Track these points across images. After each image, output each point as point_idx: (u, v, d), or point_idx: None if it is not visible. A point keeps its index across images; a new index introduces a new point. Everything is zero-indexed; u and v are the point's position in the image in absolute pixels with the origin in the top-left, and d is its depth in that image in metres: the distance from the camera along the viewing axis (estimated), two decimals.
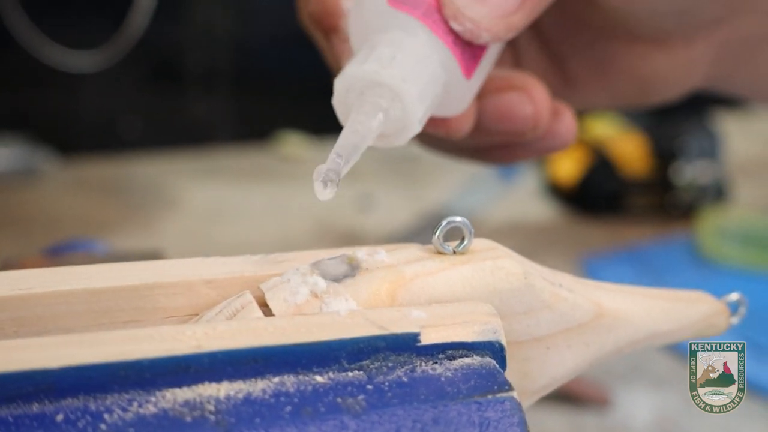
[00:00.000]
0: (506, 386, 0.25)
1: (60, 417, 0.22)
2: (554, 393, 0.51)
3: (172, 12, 0.98)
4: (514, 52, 0.43)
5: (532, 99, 0.38)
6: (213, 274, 0.28)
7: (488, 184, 0.90)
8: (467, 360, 0.26)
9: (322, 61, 0.43)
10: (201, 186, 0.91)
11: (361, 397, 0.24)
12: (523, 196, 0.90)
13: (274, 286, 0.27)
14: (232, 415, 0.23)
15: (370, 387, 0.24)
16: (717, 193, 0.83)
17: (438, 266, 0.28)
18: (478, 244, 0.30)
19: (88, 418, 0.22)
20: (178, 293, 0.28)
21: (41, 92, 0.97)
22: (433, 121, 0.36)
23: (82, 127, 0.99)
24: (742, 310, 0.34)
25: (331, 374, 0.25)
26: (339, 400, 0.24)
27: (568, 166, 0.86)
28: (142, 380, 0.23)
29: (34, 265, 0.29)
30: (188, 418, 0.23)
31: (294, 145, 1.03)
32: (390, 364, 0.25)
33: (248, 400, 0.23)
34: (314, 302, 0.27)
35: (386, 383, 0.25)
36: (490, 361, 0.26)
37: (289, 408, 0.23)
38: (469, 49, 0.35)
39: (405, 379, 0.25)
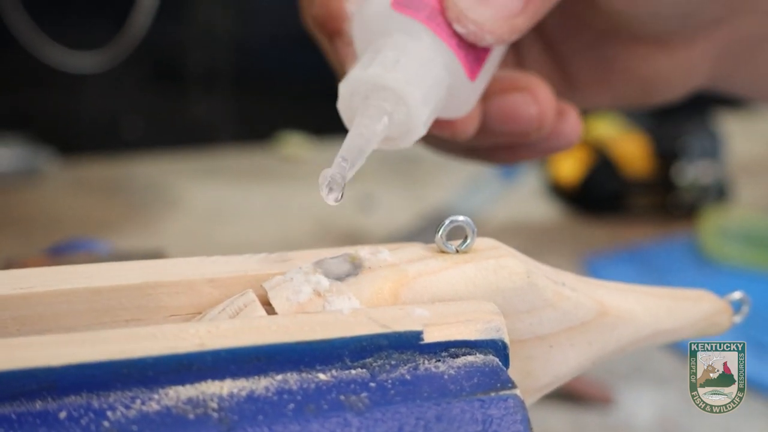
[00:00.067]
0: (509, 384, 0.25)
1: (63, 414, 0.22)
2: (557, 392, 0.52)
3: (173, 13, 0.98)
4: (516, 53, 0.43)
5: (536, 99, 0.38)
6: (215, 273, 0.28)
7: (490, 184, 0.90)
8: (470, 358, 0.26)
9: (323, 62, 0.43)
10: (202, 186, 0.91)
11: (364, 394, 0.24)
12: (525, 196, 0.90)
13: (277, 284, 0.27)
14: (235, 412, 0.23)
15: (373, 385, 0.24)
16: (719, 193, 0.83)
17: (441, 265, 0.28)
18: (481, 243, 0.30)
19: (91, 415, 0.22)
20: (181, 292, 0.28)
21: (43, 92, 0.97)
22: (438, 123, 0.36)
23: (84, 127, 0.99)
24: (745, 308, 0.34)
25: (334, 372, 0.25)
26: (342, 397, 0.24)
27: (570, 166, 0.86)
28: (145, 378, 0.23)
29: (36, 265, 0.29)
30: (191, 416, 0.23)
31: (295, 145, 1.03)
32: (393, 362, 0.25)
33: (251, 398, 0.23)
34: (317, 301, 0.27)
35: (389, 381, 0.25)
36: (493, 359, 0.26)
37: (292, 405, 0.23)
38: (473, 52, 0.35)
39: (408, 377, 0.25)
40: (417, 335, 0.26)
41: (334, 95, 0.34)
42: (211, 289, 0.28)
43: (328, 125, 0.46)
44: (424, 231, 0.76)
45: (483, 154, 0.42)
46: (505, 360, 0.27)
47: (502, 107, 0.38)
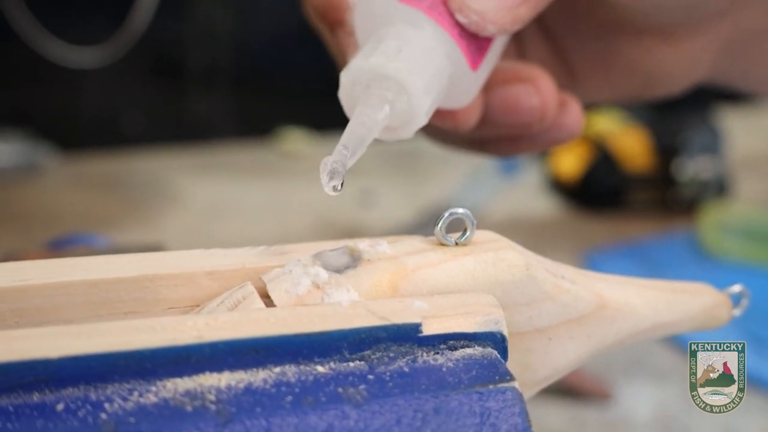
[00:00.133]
0: (507, 377, 0.25)
1: (60, 406, 0.22)
2: (555, 387, 0.52)
3: (174, 8, 0.98)
4: (518, 45, 0.43)
5: (538, 90, 0.38)
6: (214, 265, 0.28)
7: (490, 179, 0.90)
8: (469, 350, 0.26)
9: (323, 58, 0.43)
10: (202, 182, 0.91)
11: (362, 386, 0.24)
12: (525, 192, 0.90)
13: (276, 277, 0.27)
14: (233, 404, 0.23)
15: (371, 377, 0.24)
16: (719, 188, 0.83)
17: (440, 258, 0.28)
18: (481, 235, 0.30)
19: (89, 407, 0.22)
20: (180, 285, 0.28)
21: (43, 88, 0.97)
22: (439, 114, 0.36)
23: (84, 122, 0.99)
24: (745, 302, 0.34)
25: (332, 364, 0.25)
26: (340, 389, 0.24)
27: (570, 162, 0.86)
28: (142, 370, 0.23)
29: (35, 259, 0.29)
30: (189, 408, 0.23)
31: (295, 141, 1.03)
32: (391, 355, 0.25)
33: (249, 390, 0.23)
34: (316, 293, 0.27)
35: (387, 373, 0.25)
36: (491, 352, 0.26)
37: (290, 398, 0.23)
38: (475, 42, 0.35)
39: (406, 369, 0.25)
40: (416, 328, 0.26)
41: (334, 91, 0.33)
42: (210, 281, 0.28)
43: (328, 121, 0.46)
44: (425, 226, 0.76)
45: (484, 145, 0.42)
46: (504, 353, 0.27)
47: (504, 98, 0.38)
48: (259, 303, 0.26)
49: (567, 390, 0.52)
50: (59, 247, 0.51)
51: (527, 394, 0.29)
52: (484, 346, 0.26)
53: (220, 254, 0.29)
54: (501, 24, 0.34)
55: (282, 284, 0.27)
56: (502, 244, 0.29)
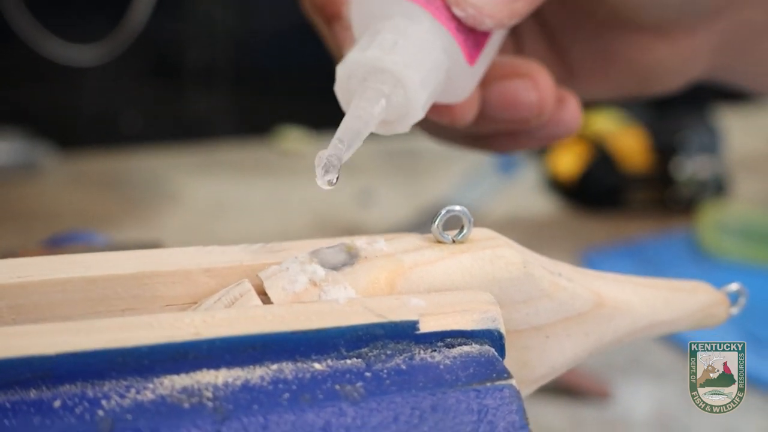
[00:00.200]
0: (505, 374, 0.25)
1: (57, 403, 0.22)
2: (554, 386, 0.52)
3: (172, 6, 0.98)
4: (515, 40, 0.43)
5: (536, 86, 0.38)
6: (212, 262, 0.28)
7: (488, 178, 0.90)
8: (466, 348, 0.26)
9: (322, 56, 0.43)
10: (201, 180, 0.91)
11: (359, 384, 0.24)
12: (523, 191, 0.90)
13: (273, 274, 0.27)
14: (230, 401, 0.23)
15: (368, 374, 0.24)
16: (717, 187, 0.83)
17: (437, 255, 0.28)
18: (478, 233, 0.30)
19: (86, 404, 0.22)
20: (177, 282, 0.28)
21: (42, 86, 0.97)
22: (436, 108, 0.36)
23: (83, 121, 0.99)
24: (742, 300, 0.34)
25: (329, 362, 0.25)
26: (337, 387, 0.24)
27: (568, 161, 0.86)
28: (140, 367, 0.23)
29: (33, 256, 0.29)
30: (186, 405, 0.23)
31: (294, 139, 1.03)
32: (388, 352, 0.25)
33: (246, 387, 0.23)
34: (313, 290, 0.27)
35: (385, 371, 0.25)
36: (489, 349, 0.26)
37: (287, 395, 0.23)
38: (473, 36, 0.34)
39: (403, 367, 0.25)
40: (413, 325, 0.26)
41: (333, 89, 0.33)
42: (207, 278, 0.28)
43: (328, 120, 0.45)
44: (423, 225, 0.76)
45: (482, 141, 0.42)
46: (501, 350, 0.27)
47: (501, 93, 0.38)
48: (256, 300, 0.26)
49: (566, 389, 0.52)
50: (57, 244, 0.51)
51: (524, 392, 0.29)
52: (481, 344, 0.26)
53: (218, 251, 0.29)
54: (498, 18, 0.34)
55: (279, 281, 0.27)
56: (499, 241, 0.29)
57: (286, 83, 1.06)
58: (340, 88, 0.33)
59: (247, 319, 0.25)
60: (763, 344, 0.57)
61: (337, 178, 0.29)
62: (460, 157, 0.89)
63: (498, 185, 0.89)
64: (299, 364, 0.24)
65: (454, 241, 0.29)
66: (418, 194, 0.88)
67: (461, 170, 0.92)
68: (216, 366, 0.24)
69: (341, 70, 0.32)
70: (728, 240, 0.72)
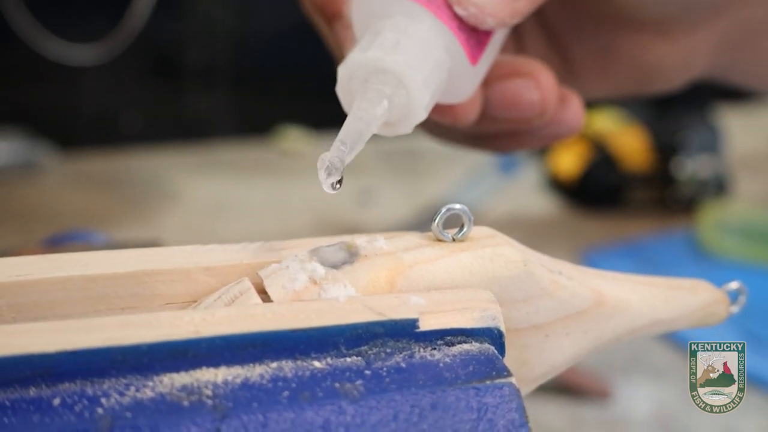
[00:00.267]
0: (505, 372, 0.25)
1: (57, 401, 0.22)
2: (554, 385, 0.52)
3: (173, 7, 0.98)
4: (517, 40, 0.43)
5: (539, 85, 0.38)
6: (211, 261, 0.28)
7: (489, 177, 0.90)
8: (466, 346, 0.26)
9: (322, 56, 0.43)
10: (201, 180, 0.91)
11: (359, 382, 0.24)
12: (523, 190, 0.90)
13: (273, 272, 0.27)
14: (230, 399, 0.23)
15: (368, 372, 0.24)
16: (718, 187, 0.83)
17: (437, 253, 0.28)
18: (478, 231, 0.30)
19: (85, 402, 0.22)
20: (176, 280, 0.28)
21: (42, 86, 0.97)
22: (438, 109, 0.36)
23: (83, 121, 0.99)
24: (742, 298, 0.34)
25: (329, 360, 0.25)
26: (337, 385, 0.24)
27: (568, 160, 0.86)
28: (139, 365, 0.23)
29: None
30: (185, 403, 0.23)
31: (294, 139, 1.03)
32: (388, 350, 0.25)
33: (246, 385, 0.23)
34: (313, 289, 0.27)
35: (384, 369, 0.25)
36: (488, 348, 0.26)
37: (286, 393, 0.23)
38: (475, 35, 0.34)
39: (403, 365, 0.25)
40: (413, 323, 0.26)
41: (333, 89, 0.33)
42: (207, 277, 0.28)
43: (328, 119, 0.45)
44: (423, 225, 0.76)
45: (484, 141, 0.42)
46: (501, 348, 0.27)
47: (504, 93, 0.38)
48: (256, 298, 0.26)
49: (566, 388, 0.52)
50: (56, 243, 0.51)
51: (524, 391, 0.29)
52: (481, 342, 0.26)
53: (218, 250, 0.29)
54: (500, 17, 0.34)
55: (279, 280, 0.27)
56: (499, 239, 0.29)
57: (286, 83, 1.06)
58: (341, 89, 0.33)
59: (246, 318, 0.25)
60: (763, 343, 0.57)
61: (341, 182, 0.29)
62: (461, 157, 0.89)
63: (498, 185, 0.89)
64: (299, 363, 0.24)
65: (454, 240, 0.29)
66: (418, 194, 0.88)
67: (462, 170, 0.92)
68: (216, 364, 0.24)
69: (342, 71, 0.32)
70: (729, 239, 0.72)
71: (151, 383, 0.23)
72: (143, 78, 1.01)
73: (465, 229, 0.29)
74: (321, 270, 0.27)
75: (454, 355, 0.26)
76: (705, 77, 0.45)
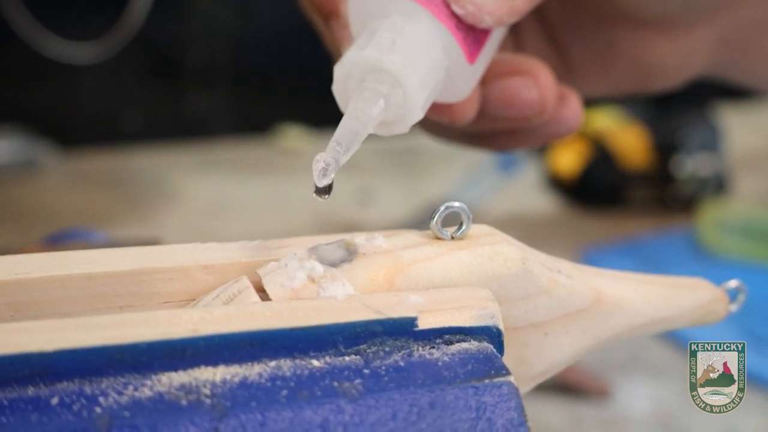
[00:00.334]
0: (503, 371, 0.25)
1: (55, 400, 0.22)
2: (554, 384, 0.52)
3: (173, 6, 0.98)
4: (515, 37, 0.43)
5: (537, 83, 0.37)
6: (210, 259, 0.28)
7: (488, 176, 0.90)
8: (464, 345, 0.26)
9: (322, 55, 0.42)
10: (201, 179, 0.91)
11: (357, 381, 0.24)
12: (523, 189, 0.90)
13: (271, 271, 0.27)
14: (228, 398, 0.23)
15: (366, 371, 0.24)
16: (717, 185, 0.83)
17: (436, 252, 0.28)
18: (477, 229, 0.30)
19: (83, 401, 0.22)
20: (175, 278, 0.28)
21: (41, 85, 0.97)
22: (436, 108, 0.36)
23: (83, 119, 0.99)
24: (741, 297, 0.34)
25: (327, 358, 0.25)
26: (335, 384, 0.24)
27: (568, 159, 0.86)
28: (137, 364, 0.23)
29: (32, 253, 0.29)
30: (184, 402, 0.23)
31: (293, 138, 1.03)
32: (387, 349, 0.25)
33: (244, 384, 0.23)
34: (311, 287, 0.27)
35: (383, 367, 0.25)
36: (487, 346, 0.26)
37: (285, 392, 0.23)
38: (472, 34, 0.34)
39: (402, 364, 0.25)
40: (411, 322, 0.26)
41: (332, 82, 0.33)
42: (206, 275, 0.28)
43: (327, 118, 0.45)
44: (423, 223, 0.76)
45: (482, 140, 0.42)
46: (500, 347, 0.27)
47: (502, 91, 0.38)
48: (255, 297, 0.26)
49: (565, 387, 0.52)
50: (56, 242, 0.51)
51: (523, 389, 0.29)
52: (479, 341, 0.26)
53: (216, 248, 0.29)
54: (498, 15, 0.33)
55: (277, 278, 0.27)
56: (498, 238, 0.29)
57: (286, 83, 1.06)
58: (337, 89, 0.32)
59: (245, 316, 0.25)
60: (763, 342, 0.57)
61: (331, 188, 0.29)
62: (460, 156, 0.89)
63: (498, 183, 0.89)
64: (297, 361, 0.24)
65: (452, 238, 0.29)
66: (417, 193, 0.88)
67: (461, 168, 0.92)
68: (214, 363, 0.24)
69: (338, 70, 0.32)
70: (728, 238, 0.72)
71: (149, 382, 0.23)
72: (143, 77, 1.01)
73: (464, 228, 0.29)
74: (319, 268, 0.27)
75: (452, 354, 0.26)
76: (705, 76, 0.45)
